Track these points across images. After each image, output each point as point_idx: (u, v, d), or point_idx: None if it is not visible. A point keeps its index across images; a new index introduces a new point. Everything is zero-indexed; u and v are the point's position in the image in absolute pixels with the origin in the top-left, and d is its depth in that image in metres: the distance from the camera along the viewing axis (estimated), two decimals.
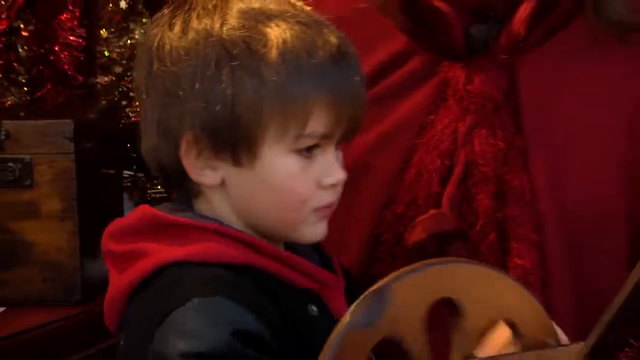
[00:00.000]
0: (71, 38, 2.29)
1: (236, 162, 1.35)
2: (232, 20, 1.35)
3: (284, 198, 1.38)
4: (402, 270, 1.31)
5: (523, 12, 1.57)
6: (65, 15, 2.32)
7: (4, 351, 1.94)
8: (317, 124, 1.35)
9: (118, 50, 2.42)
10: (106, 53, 2.41)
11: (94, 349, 2.02)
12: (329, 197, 1.39)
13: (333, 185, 1.38)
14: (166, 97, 1.36)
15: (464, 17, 1.59)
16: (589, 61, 1.62)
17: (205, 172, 1.36)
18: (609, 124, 1.63)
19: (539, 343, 1.29)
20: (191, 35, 1.35)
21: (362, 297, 1.23)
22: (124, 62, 2.42)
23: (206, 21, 1.36)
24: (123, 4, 2.42)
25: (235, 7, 1.37)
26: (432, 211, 1.57)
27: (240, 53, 1.33)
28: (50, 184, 2.06)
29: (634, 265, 1.11)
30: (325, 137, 1.35)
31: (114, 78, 2.39)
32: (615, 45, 1.61)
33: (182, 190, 1.42)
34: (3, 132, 2.06)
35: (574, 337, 1.22)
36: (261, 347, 1.32)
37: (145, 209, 1.42)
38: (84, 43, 2.30)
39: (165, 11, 1.41)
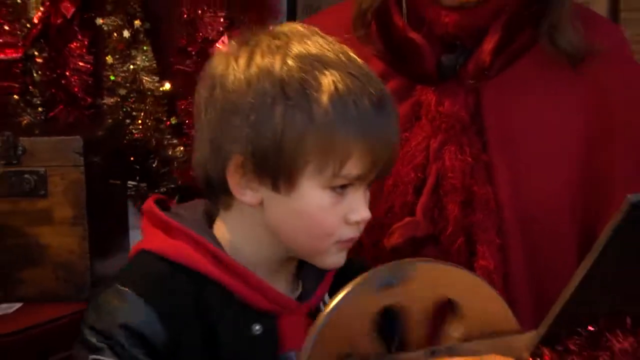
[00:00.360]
0: (80, 64, 2.29)
1: (275, 188, 1.36)
2: (292, 62, 1.35)
3: (312, 228, 1.38)
4: (426, 258, 1.37)
5: (488, 43, 1.59)
6: (75, 44, 2.31)
7: (20, 342, 1.93)
8: (354, 166, 1.35)
9: (122, 74, 2.39)
10: (112, 77, 2.39)
11: None
12: (352, 233, 1.39)
13: (357, 222, 1.39)
14: (223, 120, 1.37)
15: (436, 47, 1.60)
16: (544, 84, 1.64)
17: (247, 192, 1.37)
18: (562, 141, 1.64)
19: (498, 332, 1.30)
20: (254, 70, 1.36)
21: (388, 264, 1.26)
22: (128, 85, 2.40)
23: (268, 59, 1.36)
24: (126, 34, 2.38)
25: (296, 50, 1.37)
26: (407, 218, 1.58)
27: (295, 94, 1.34)
28: (63, 194, 2.07)
29: None
30: (359, 179, 1.36)
31: (118, 99, 2.38)
32: (566, 70, 1.63)
33: (215, 201, 1.44)
34: (20, 148, 2.06)
35: (533, 328, 1.21)
36: (145, 347, 1.34)
37: (150, 201, 1.45)
38: (91, 68, 2.32)
39: (233, 43, 1.42)
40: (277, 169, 1.35)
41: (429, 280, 1.27)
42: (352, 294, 1.22)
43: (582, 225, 1.60)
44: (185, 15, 2.36)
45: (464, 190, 1.59)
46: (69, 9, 2.26)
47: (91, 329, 1.34)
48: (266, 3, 2.30)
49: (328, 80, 1.34)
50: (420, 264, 1.28)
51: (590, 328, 1.09)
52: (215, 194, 1.42)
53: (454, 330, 1.28)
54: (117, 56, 2.39)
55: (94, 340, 1.33)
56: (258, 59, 1.36)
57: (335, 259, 1.40)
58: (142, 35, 2.40)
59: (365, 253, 1.60)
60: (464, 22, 1.58)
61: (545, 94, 1.64)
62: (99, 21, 2.33)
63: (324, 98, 1.32)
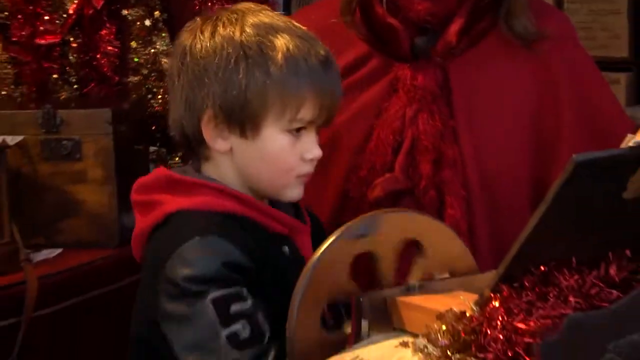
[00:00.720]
0: (109, 48, 2.32)
1: (243, 134, 1.40)
2: (249, 30, 1.40)
3: (275, 166, 1.42)
4: (390, 209, 1.43)
5: (454, 27, 1.63)
6: (104, 31, 2.30)
7: (61, 281, 1.96)
8: (307, 111, 1.39)
9: (144, 57, 2.41)
10: (135, 59, 2.41)
11: (127, 280, 2.01)
12: (308, 168, 1.43)
13: (311, 160, 1.42)
14: (195, 81, 1.41)
15: (410, 30, 1.64)
16: (502, 62, 1.68)
17: (218, 140, 1.41)
18: (517, 109, 1.68)
19: (459, 271, 1.35)
20: (218, 38, 1.40)
21: (359, 217, 1.29)
22: (149, 66, 2.41)
23: (229, 29, 1.41)
24: (147, 23, 2.40)
25: (251, 21, 1.41)
26: (387, 175, 1.63)
27: (254, 54, 1.38)
28: (94, 157, 2.09)
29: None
30: (310, 122, 1.40)
31: (141, 78, 2.39)
32: (521, 50, 1.66)
33: (196, 156, 1.46)
34: (58, 118, 2.07)
35: (493, 268, 1.18)
36: (245, 276, 1.35)
37: (160, 170, 1.47)
38: (118, 51, 2.34)
39: (197, 20, 1.46)
40: (243, 118, 1.39)
41: (397, 228, 1.30)
42: (333, 244, 1.25)
43: (535, 180, 1.63)
44: (197, 7, 2.36)
45: (434, 151, 1.63)
46: (99, 2, 2.29)
47: (185, 279, 1.34)
48: None
49: (280, 42, 1.39)
50: (388, 215, 1.33)
51: (542, 268, 1.08)
52: (193, 150, 1.45)
53: (419, 269, 1.32)
54: (140, 41, 2.41)
55: (194, 288, 1.34)
56: (220, 30, 1.41)
57: (296, 191, 1.44)
58: (160, 24, 2.43)
59: (351, 205, 1.65)
60: (434, 8, 1.62)
61: (503, 70, 1.68)
62: (125, 12, 2.36)
63: (279, 56, 1.38)
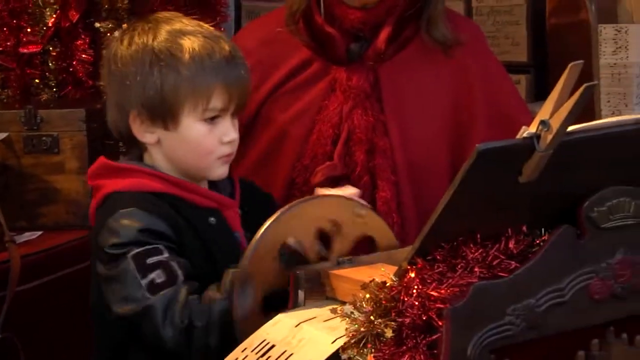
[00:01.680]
0: (84, 56, 2.23)
1: (165, 127, 1.39)
2: (160, 37, 1.40)
3: (197, 150, 1.41)
4: (306, 197, 1.41)
5: (383, 34, 1.62)
6: (79, 42, 2.22)
7: (43, 259, 1.93)
8: (216, 102, 1.39)
9: None
10: None
11: None
12: (228, 150, 1.42)
13: (230, 142, 1.41)
14: (119, 86, 1.41)
15: (345, 38, 1.63)
16: (424, 65, 1.68)
17: (146, 135, 1.41)
18: (438, 105, 1.68)
19: (388, 248, 1.35)
20: (134, 47, 1.40)
21: (291, 203, 1.31)
22: None
23: (143, 37, 1.41)
24: (117, 34, 2.23)
25: (164, 28, 1.41)
26: (327, 163, 1.62)
27: (165, 57, 1.38)
28: (71, 151, 2.05)
29: None
30: (223, 110, 1.40)
31: None
32: (440, 54, 1.67)
33: (136, 148, 1.46)
34: (39, 117, 2.04)
35: None
36: (163, 239, 1.35)
37: (101, 159, 1.46)
38: (92, 59, 2.23)
39: (117, 33, 1.48)
40: (163, 113, 1.39)
41: (325, 211, 1.32)
42: (272, 224, 1.27)
43: (452, 166, 1.63)
44: None
45: (367, 142, 1.63)
46: (74, 16, 2.20)
47: (111, 246, 1.35)
48: (219, 10, 2.26)
49: (187, 43, 1.38)
50: (311, 201, 1.36)
51: (451, 243, 1.09)
52: (129, 144, 1.46)
53: (338, 244, 1.32)
54: None
55: (117, 251, 1.34)
56: (136, 38, 1.41)
57: (220, 170, 1.43)
58: None
59: (297, 190, 1.64)
60: (365, 19, 1.61)
61: (425, 71, 1.68)
62: (97, 24, 2.24)
63: (186, 56, 1.37)
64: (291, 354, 1.12)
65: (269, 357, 1.14)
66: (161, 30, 1.41)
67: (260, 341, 1.17)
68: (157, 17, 1.46)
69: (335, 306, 1.16)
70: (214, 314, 1.30)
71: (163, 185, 1.41)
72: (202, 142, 1.41)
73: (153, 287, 1.32)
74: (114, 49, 1.44)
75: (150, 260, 1.33)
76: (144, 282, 1.33)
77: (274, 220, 1.28)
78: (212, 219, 1.43)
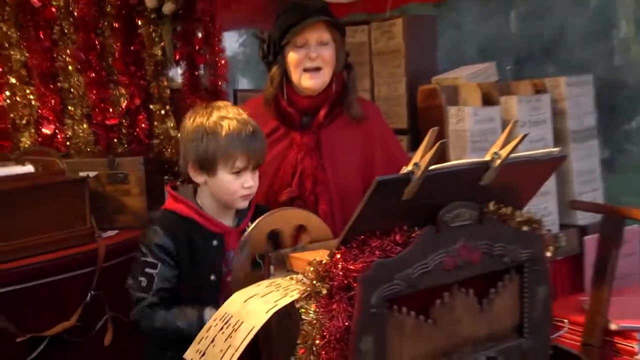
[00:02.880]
0: (142, 125, 2.26)
1: (208, 175, 1.44)
2: (211, 118, 1.43)
3: (226, 191, 1.44)
4: (290, 207, 1.45)
5: (322, 112, 1.76)
6: (140, 116, 2.23)
7: (119, 247, 1.93)
8: (240, 163, 1.43)
9: (161, 130, 2.29)
10: (156, 131, 2.29)
11: None
12: (247, 192, 1.46)
13: (248, 187, 1.45)
14: (185, 147, 1.46)
15: (299, 114, 1.76)
16: (347, 131, 1.79)
17: (197, 177, 1.46)
18: (355, 154, 1.79)
19: (323, 239, 1.37)
20: (195, 123, 1.44)
21: (272, 211, 1.34)
22: (162, 136, 2.30)
23: (200, 119, 1.44)
24: (162, 112, 2.24)
25: (215, 113, 1.44)
26: (288, 189, 1.74)
27: (211, 132, 1.42)
28: (135, 182, 2.07)
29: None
30: (244, 168, 1.44)
31: (159, 141, 2.30)
32: (356, 124, 1.78)
33: (193, 183, 1.48)
34: (116, 162, 2.07)
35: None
36: (167, 253, 1.38)
37: (168, 187, 1.50)
38: (148, 127, 2.26)
39: (189, 112, 1.50)
40: (207, 167, 1.43)
41: (289, 216, 1.35)
42: (258, 223, 1.31)
43: (363, 190, 1.54)
44: (189, 103, 2.24)
45: (313, 176, 1.74)
46: (137, 101, 2.24)
47: (143, 245, 1.41)
48: (222, 97, 2.26)
49: (226, 125, 1.42)
50: (284, 211, 1.37)
51: (362, 237, 1.09)
52: (190, 181, 1.49)
53: (304, 239, 1.36)
54: (159, 123, 2.33)
55: (144, 250, 1.40)
56: (197, 118, 1.44)
57: (242, 204, 1.47)
58: (170, 113, 2.31)
59: (273, 204, 1.70)
60: (311, 103, 1.75)
61: (347, 135, 1.79)
62: (151, 106, 2.27)
63: (223, 133, 1.41)
64: (242, 322, 1.11)
65: (229, 324, 1.12)
66: (213, 114, 1.41)
67: (224, 313, 1.15)
68: (213, 104, 1.45)
69: (293, 275, 1.18)
70: (156, 320, 1.35)
71: (191, 212, 1.42)
72: (229, 187, 1.42)
73: (140, 287, 1.38)
74: (185, 123, 1.44)
75: (146, 270, 1.37)
76: (139, 278, 1.38)
77: (263, 217, 1.31)
78: (215, 241, 1.43)
